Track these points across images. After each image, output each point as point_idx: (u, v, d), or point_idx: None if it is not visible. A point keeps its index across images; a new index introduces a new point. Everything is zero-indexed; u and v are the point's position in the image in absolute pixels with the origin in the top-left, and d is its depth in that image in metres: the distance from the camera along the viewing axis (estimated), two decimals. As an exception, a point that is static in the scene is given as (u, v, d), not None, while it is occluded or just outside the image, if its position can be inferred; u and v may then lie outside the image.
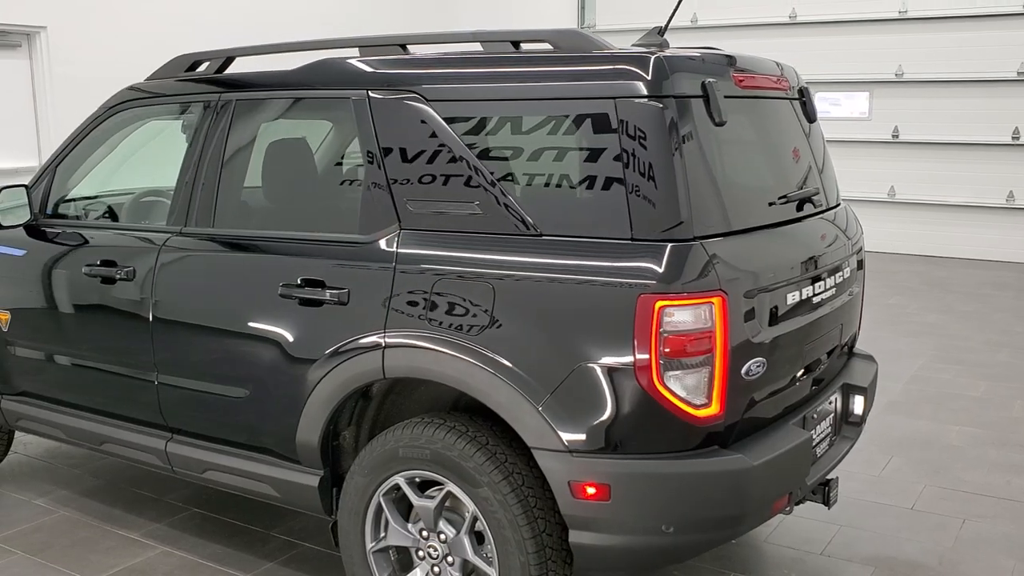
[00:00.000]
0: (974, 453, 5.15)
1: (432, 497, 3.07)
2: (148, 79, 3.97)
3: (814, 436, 3.20)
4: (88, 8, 9.51)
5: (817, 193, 3.47)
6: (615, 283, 2.71)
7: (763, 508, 2.92)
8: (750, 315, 2.82)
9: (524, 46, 3.17)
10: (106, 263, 3.77)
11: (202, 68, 3.86)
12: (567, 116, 2.88)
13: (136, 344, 3.69)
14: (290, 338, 3.25)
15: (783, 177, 3.31)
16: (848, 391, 3.57)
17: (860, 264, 3.69)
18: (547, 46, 3.07)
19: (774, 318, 2.95)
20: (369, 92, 3.23)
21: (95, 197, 4.36)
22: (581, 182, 2.85)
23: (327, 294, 3.16)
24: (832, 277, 3.32)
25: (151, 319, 3.62)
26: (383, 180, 3.15)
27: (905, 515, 4.34)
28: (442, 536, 3.07)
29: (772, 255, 3.04)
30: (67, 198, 4.21)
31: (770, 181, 3.24)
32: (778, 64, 3.46)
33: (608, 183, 2.79)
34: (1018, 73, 11.60)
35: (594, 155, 2.82)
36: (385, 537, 3.19)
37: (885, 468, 4.90)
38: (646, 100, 2.77)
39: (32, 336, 4.11)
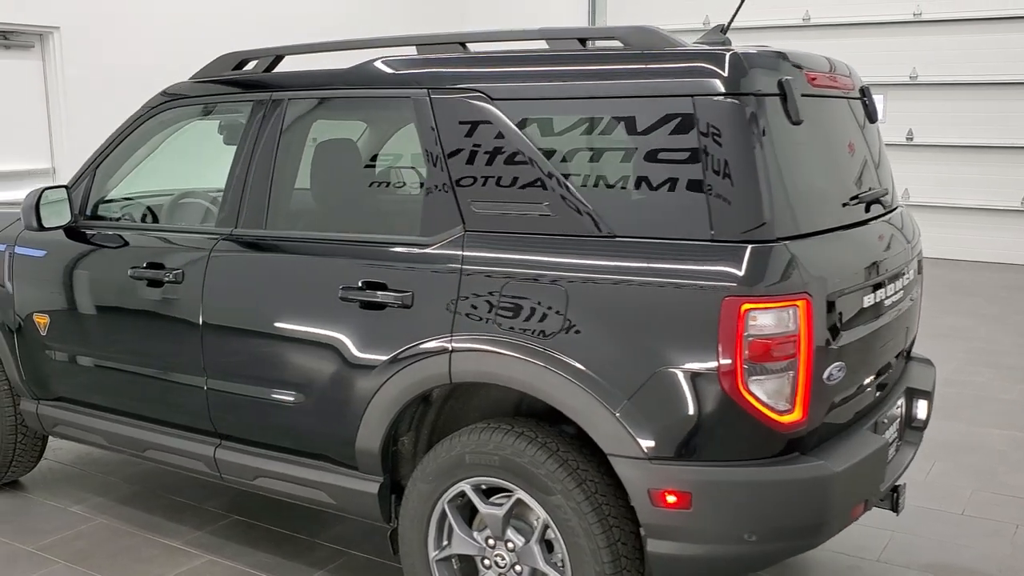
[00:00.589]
0: (1017, 456, 5.10)
1: (500, 504, 3.00)
2: (191, 79, 3.90)
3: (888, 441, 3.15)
4: (102, 9, 9.44)
5: (886, 194, 3.41)
6: (697, 285, 2.65)
7: (843, 516, 2.85)
8: (831, 318, 2.76)
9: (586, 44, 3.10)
10: (153, 266, 3.69)
11: (249, 67, 3.79)
12: (642, 115, 2.82)
13: (185, 348, 3.61)
14: (350, 342, 3.18)
15: (853, 178, 3.25)
16: (911, 395, 3.51)
17: (920, 267, 3.64)
18: (616, 43, 3.01)
19: (852, 321, 2.89)
20: (430, 91, 3.16)
21: (133, 198, 4.28)
22: (656, 182, 2.78)
23: (390, 297, 3.09)
24: (899, 280, 3.26)
25: (201, 323, 3.54)
26: (446, 181, 3.09)
27: (957, 521, 4.28)
28: (510, 544, 3.00)
29: (848, 257, 2.98)
30: (106, 199, 4.13)
31: (842, 182, 3.18)
32: (845, 64, 3.40)
33: (686, 183, 2.72)
34: (1033, 76, 11.59)
35: (671, 154, 2.75)
36: (449, 545, 3.12)
37: (930, 472, 4.84)
38: (727, 98, 2.71)
39: (72, 340, 4.03)
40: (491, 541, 3.05)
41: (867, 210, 3.26)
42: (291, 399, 3.36)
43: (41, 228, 3.90)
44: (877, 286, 3.07)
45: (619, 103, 2.86)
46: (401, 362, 3.07)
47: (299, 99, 3.51)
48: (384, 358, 3.11)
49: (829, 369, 2.76)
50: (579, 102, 2.93)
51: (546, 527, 2.91)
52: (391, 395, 3.11)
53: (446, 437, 3.12)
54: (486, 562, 3.07)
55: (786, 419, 2.66)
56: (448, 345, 2.98)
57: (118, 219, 4.14)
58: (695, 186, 2.71)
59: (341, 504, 3.36)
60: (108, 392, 3.98)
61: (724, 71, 2.73)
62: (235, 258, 3.52)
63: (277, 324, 3.37)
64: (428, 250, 3.08)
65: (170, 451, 3.80)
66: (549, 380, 2.80)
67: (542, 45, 3.15)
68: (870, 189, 3.30)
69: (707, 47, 2.87)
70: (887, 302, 3.14)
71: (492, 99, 3.04)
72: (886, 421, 3.21)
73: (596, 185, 2.88)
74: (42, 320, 4.10)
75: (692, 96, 2.73)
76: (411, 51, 3.39)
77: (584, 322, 2.77)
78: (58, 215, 3.93)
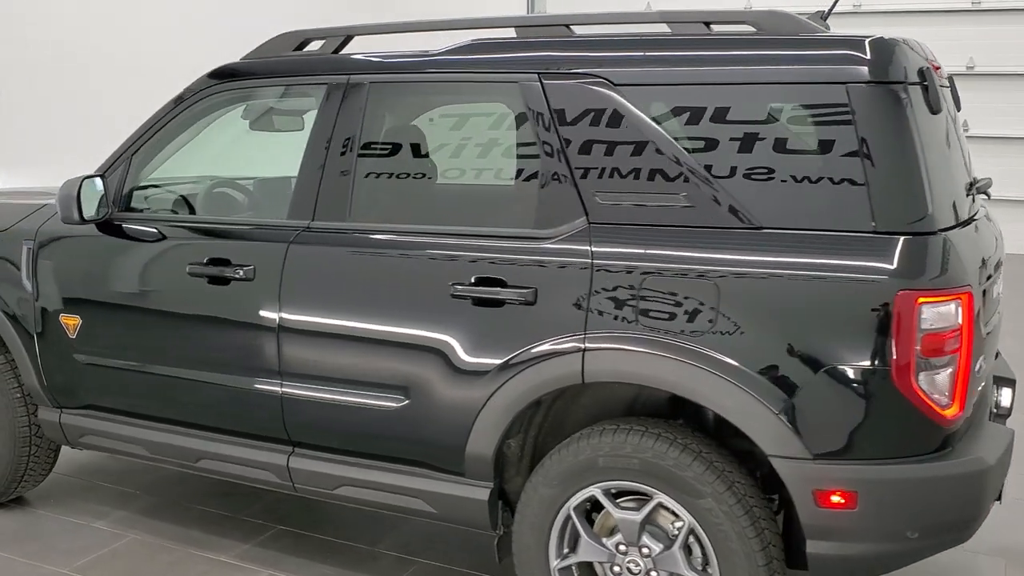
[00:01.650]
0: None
1: (635, 509, 2.87)
2: (244, 59, 3.62)
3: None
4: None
5: (990, 185, 3.41)
6: (864, 279, 2.57)
7: (988, 509, 2.84)
8: (979, 310, 2.73)
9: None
10: (215, 262, 3.41)
11: (313, 48, 3.53)
12: (787, 103, 2.73)
13: (256, 351, 3.35)
14: (463, 341, 3.00)
15: (965, 169, 3.24)
16: (997, 383, 3.53)
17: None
18: (748, 28, 2.91)
19: (985, 313, 2.88)
20: (541, 76, 3.00)
21: (160, 187, 3.94)
22: (805, 172, 2.69)
23: (510, 294, 2.92)
24: (1000, 270, 3.28)
25: (278, 323, 3.29)
26: (565, 171, 2.93)
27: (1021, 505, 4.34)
28: (644, 550, 2.88)
29: (976, 248, 2.96)
30: (139, 188, 3.80)
31: (961, 173, 3.16)
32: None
33: (842, 173, 2.64)
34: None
35: (822, 144, 2.67)
36: (574, 552, 2.98)
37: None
38: (883, 85, 2.64)
39: (110, 343, 3.70)
40: (622, 547, 2.92)
41: (973, 201, 3.25)
42: (388, 404, 3.15)
43: (83, 221, 3.56)
44: (996, 276, 3.07)
45: (760, 90, 2.76)
46: (523, 362, 2.91)
47: (384, 83, 3.29)
48: (503, 358, 2.94)
49: (978, 361, 2.74)
50: (715, 89, 2.81)
51: (689, 531, 2.80)
52: (510, 397, 2.94)
53: (567, 439, 2.97)
54: (615, 569, 2.94)
55: (948, 413, 2.62)
56: (580, 344, 2.83)
57: (153, 210, 3.81)
58: (853, 176, 2.63)
59: (443, 512, 3.18)
60: (153, 399, 3.67)
61: (874, 59, 2.66)
62: (319, 253, 3.27)
63: (374, 324, 3.15)
64: (548, 244, 2.93)
65: (230, 460, 3.53)
66: (703, 380, 2.69)
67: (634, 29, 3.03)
68: (975, 179, 3.30)
69: (850, 35, 2.79)
70: (996, 293, 3.15)
71: (616, 85, 2.90)
72: (995, 411, 3.21)
73: (738, 175, 2.76)
74: (71, 322, 3.75)
75: (845, 84, 2.65)
76: (471, 33, 3.20)
77: (738, 318, 2.67)
78: (94, 206, 3.59)
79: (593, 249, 2.85)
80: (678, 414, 3.04)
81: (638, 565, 2.90)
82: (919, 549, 2.73)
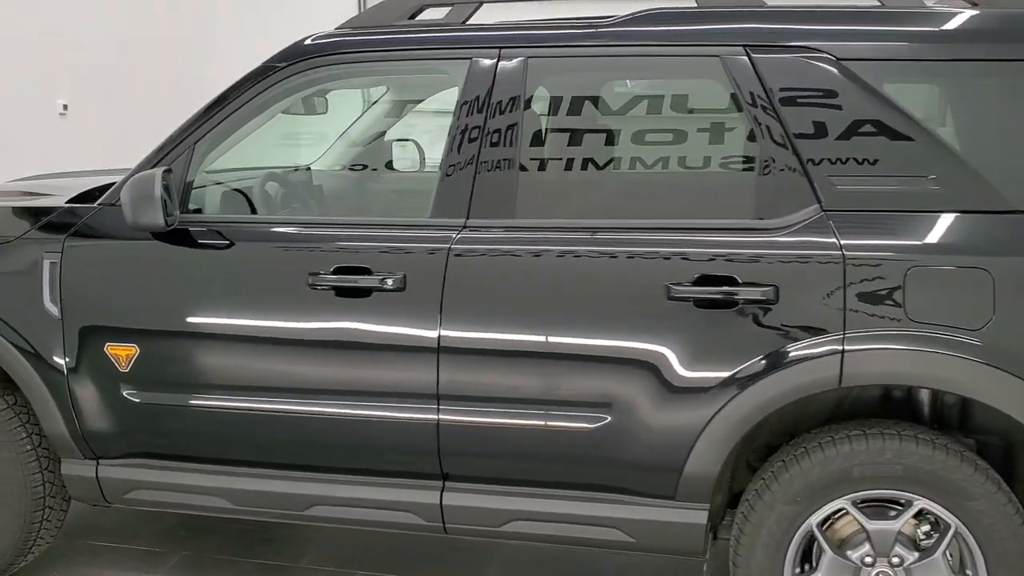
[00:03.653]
0: None
1: (892, 518, 2.68)
2: (341, 28, 3.05)
3: None
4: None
5: None
6: None
7: None
8: None
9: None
10: (346, 271, 2.85)
11: (433, 16, 3.03)
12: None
13: (406, 373, 2.84)
14: (685, 349, 2.67)
15: None
16: None
17: None
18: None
19: None
20: (749, 50, 2.72)
21: (230, 180, 3.28)
22: None
23: (742, 293, 2.63)
24: None
25: (438, 340, 2.80)
26: (790, 155, 2.68)
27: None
28: (895, 559, 2.69)
29: None
30: (202, 185, 3.14)
31: None
32: None
33: None
34: None
35: None
36: (815, 570, 2.74)
37: None
38: None
39: (183, 376, 3.02)
40: (868, 559, 2.71)
41: None
42: (582, 425, 2.76)
43: (167, 228, 2.87)
44: None
45: (1007, 66, 2.63)
46: (764, 369, 2.62)
47: (547, 57, 2.87)
48: (737, 364, 2.64)
49: None
50: (960, 65, 2.65)
51: (952, 536, 2.64)
52: (746, 408, 2.65)
53: (789, 451, 2.72)
54: (859, 584, 2.74)
55: None
56: (838, 346, 2.58)
57: (226, 210, 3.16)
58: None
59: (645, 541, 2.83)
60: (244, 440, 3.03)
61: None
62: (491, 256, 2.81)
63: (566, 336, 2.75)
64: (782, 236, 2.66)
65: (355, 504, 2.98)
66: (996, 380, 2.52)
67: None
68: None
69: None
70: None
71: (840, 60, 2.67)
72: None
73: (990, 155, 2.62)
74: (124, 352, 3.03)
75: None
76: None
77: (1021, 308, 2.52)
78: (160, 211, 2.90)
79: (842, 241, 2.61)
80: (889, 413, 2.88)
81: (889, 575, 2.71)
82: None
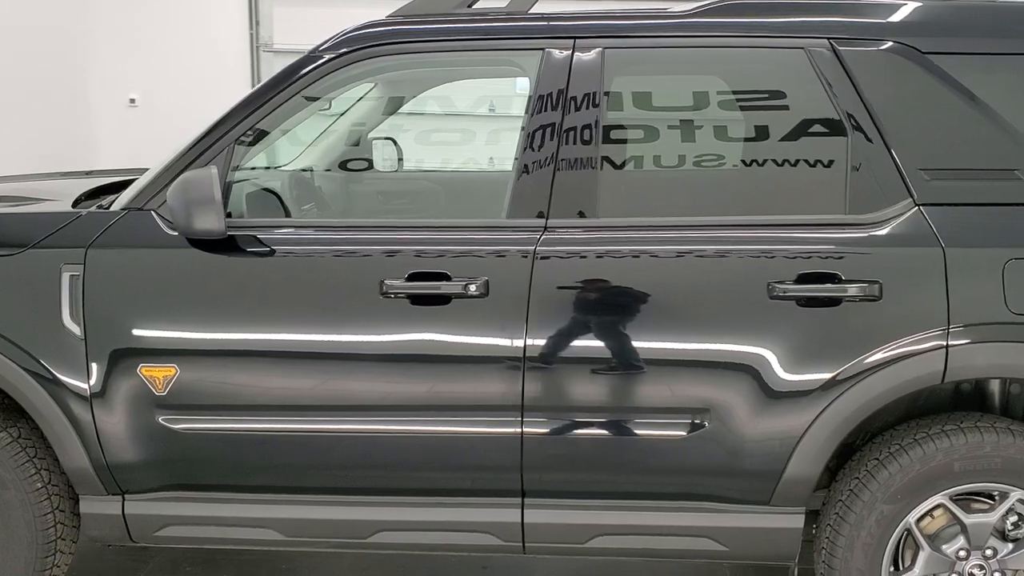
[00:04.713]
0: None
1: (986, 511, 2.68)
2: (392, 16, 2.83)
3: None
4: None
5: None
6: None
7: None
8: None
9: None
10: (421, 277, 2.64)
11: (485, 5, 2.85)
12: None
13: (487, 384, 2.66)
14: (788, 349, 2.60)
15: None
16: None
17: None
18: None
19: None
20: (834, 42, 2.68)
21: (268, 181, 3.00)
22: None
23: (848, 290, 2.58)
24: None
25: (524, 349, 2.62)
26: (881, 149, 2.66)
27: None
28: (988, 552, 2.70)
29: None
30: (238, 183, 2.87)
31: None
32: None
33: None
34: None
35: None
36: (912, 567, 2.71)
37: None
38: None
39: (233, 398, 2.73)
40: (962, 552, 2.71)
41: None
42: (676, 432, 2.65)
43: (223, 236, 2.59)
44: None
45: None
46: (870, 368, 2.58)
47: (625, 48, 2.74)
48: (842, 365, 2.59)
49: None
50: None
51: None
52: (851, 408, 2.61)
53: (882, 450, 2.69)
54: (956, 578, 2.73)
55: None
56: (943, 341, 2.57)
57: (268, 213, 2.89)
58: None
59: (738, 549, 2.75)
60: (300, 466, 2.77)
61: None
62: (580, 258, 2.66)
63: (665, 341, 2.64)
64: (881, 231, 2.62)
65: (426, 528, 2.78)
66: None
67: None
68: None
69: None
70: None
71: (925, 53, 2.67)
72: None
73: None
74: (160, 373, 2.71)
75: None
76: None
77: None
78: (218, 212, 2.62)
79: (940, 234, 2.60)
80: (958, 406, 2.89)
81: (983, 569, 2.71)
82: None
